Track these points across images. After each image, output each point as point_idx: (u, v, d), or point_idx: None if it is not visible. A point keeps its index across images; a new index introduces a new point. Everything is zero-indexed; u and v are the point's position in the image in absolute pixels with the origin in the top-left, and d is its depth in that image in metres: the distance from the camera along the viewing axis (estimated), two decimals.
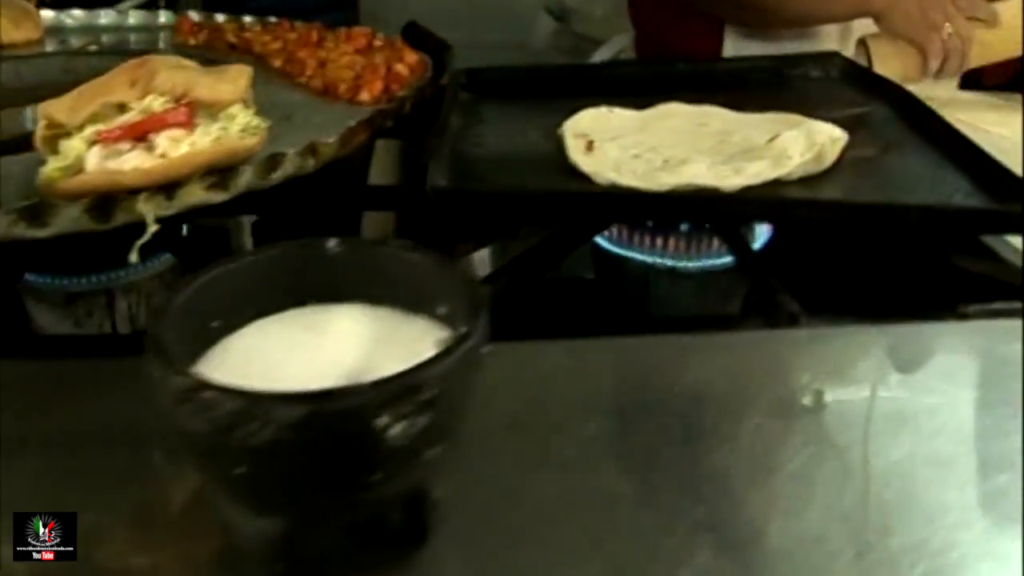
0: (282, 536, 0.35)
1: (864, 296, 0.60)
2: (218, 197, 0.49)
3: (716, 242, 0.70)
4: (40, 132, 0.48)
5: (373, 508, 0.36)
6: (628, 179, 0.64)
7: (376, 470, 0.34)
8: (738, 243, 0.64)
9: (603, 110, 0.76)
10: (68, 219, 0.46)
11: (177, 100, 0.47)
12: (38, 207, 0.46)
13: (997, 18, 0.91)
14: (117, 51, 0.81)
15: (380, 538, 0.38)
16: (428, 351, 0.39)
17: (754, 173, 0.64)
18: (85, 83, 0.48)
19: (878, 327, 0.53)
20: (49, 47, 0.85)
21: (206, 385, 0.32)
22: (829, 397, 0.48)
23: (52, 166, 0.47)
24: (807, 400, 0.48)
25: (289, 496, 0.34)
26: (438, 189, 0.56)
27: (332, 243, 0.42)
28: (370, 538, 0.38)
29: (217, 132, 0.47)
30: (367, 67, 0.67)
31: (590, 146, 0.68)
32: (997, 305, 0.54)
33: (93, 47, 0.82)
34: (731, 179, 0.63)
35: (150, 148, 0.46)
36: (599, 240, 0.71)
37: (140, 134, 0.46)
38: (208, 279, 0.40)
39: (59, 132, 0.47)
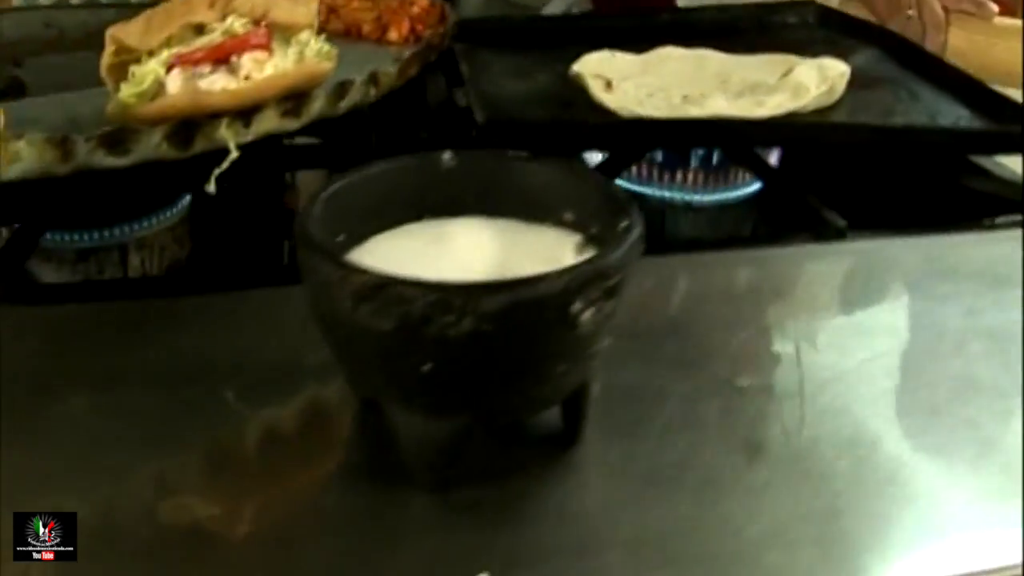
0: (454, 438, 0.35)
1: (883, 213, 0.63)
2: (291, 124, 0.48)
3: (730, 175, 0.72)
4: (107, 59, 0.45)
5: (546, 404, 0.36)
6: (655, 114, 0.65)
7: (563, 360, 0.34)
8: (764, 168, 0.66)
9: (606, 54, 0.77)
10: (149, 146, 0.44)
11: (256, 22, 0.45)
12: (119, 133, 0.44)
13: (989, 10, 0.87)
14: (97, 4, 0.78)
15: (540, 438, 0.38)
16: (567, 256, 0.40)
17: (775, 105, 0.66)
18: (160, 8, 0.46)
19: (917, 238, 0.57)
20: (17, 2, 0.80)
21: (397, 280, 0.32)
22: (888, 299, 0.51)
23: (127, 91, 0.44)
24: (870, 302, 0.50)
25: (473, 392, 0.34)
26: (494, 121, 0.56)
27: (447, 156, 0.42)
28: (530, 438, 0.38)
29: (294, 56, 0.46)
30: (386, 9, 0.66)
31: (609, 85, 0.69)
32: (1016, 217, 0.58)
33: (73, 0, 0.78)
34: (754, 111, 0.66)
35: (232, 71, 0.45)
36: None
37: (223, 56, 0.44)
38: (331, 193, 0.39)
39: (127, 58, 0.45)
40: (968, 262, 0.55)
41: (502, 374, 0.34)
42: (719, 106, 0.67)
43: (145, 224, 0.67)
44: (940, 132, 0.63)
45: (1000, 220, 0.58)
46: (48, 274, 0.65)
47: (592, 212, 0.40)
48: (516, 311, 0.32)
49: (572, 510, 0.37)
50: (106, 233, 0.66)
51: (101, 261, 0.66)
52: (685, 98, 0.69)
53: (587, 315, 0.33)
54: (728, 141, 0.65)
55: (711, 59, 0.79)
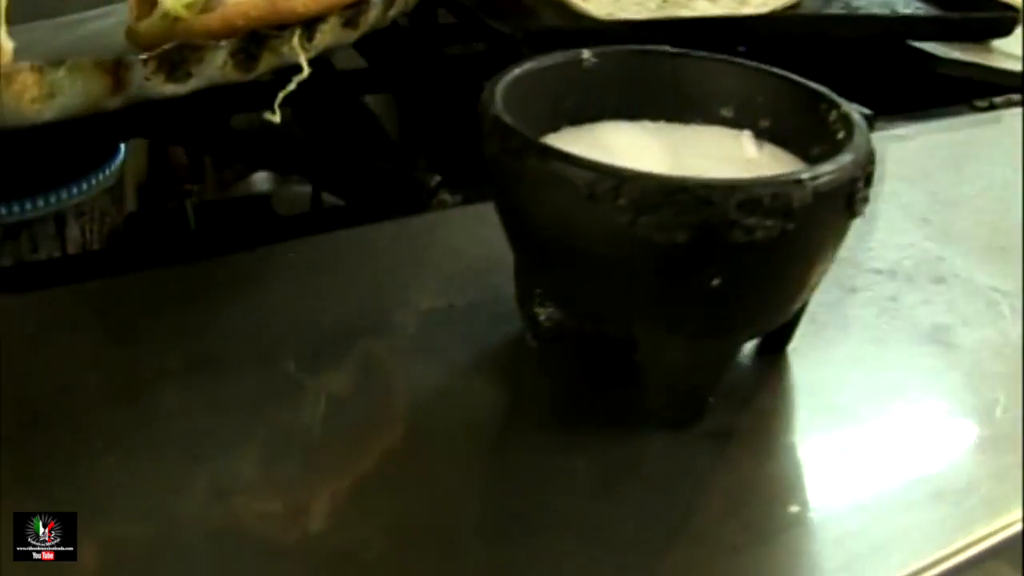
0: (720, 363, 0.31)
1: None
2: (350, 36, 0.41)
3: None
4: None
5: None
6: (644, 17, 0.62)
7: (832, 256, 0.31)
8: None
9: None
10: (213, 68, 0.35)
11: None
12: (178, 54, 0.34)
13: None
14: None
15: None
16: (749, 152, 0.37)
17: (759, 2, 0.65)
18: None
19: (939, 121, 0.58)
20: None
21: (694, 182, 0.27)
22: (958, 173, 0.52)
23: (175, 1, 0.35)
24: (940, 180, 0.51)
25: (758, 306, 0.30)
26: (533, 32, 0.51)
27: (587, 54, 0.37)
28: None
29: None
30: None
31: None
32: (1013, 96, 0.61)
33: None
34: (740, 10, 0.64)
35: None
36: None
37: None
38: (504, 99, 0.33)
39: None
40: (999, 137, 0.57)
41: (790, 280, 0.30)
42: (704, 7, 0.65)
43: (84, 187, 0.56)
44: (932, 21, 0.65)
45: (997, 100, 0.60)
46: None
47: (760, 105, 0.37)
48: (818, 203, 0.28)
49: (824, 427, 0.33)
50: (40, 202, 0.54)
51: (35, 236, 0.55)
52: (665, 1, 0.66)
53: (860, 202, 0.30)
54: (737, 39, 0.63)
55: None
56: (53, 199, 0.55)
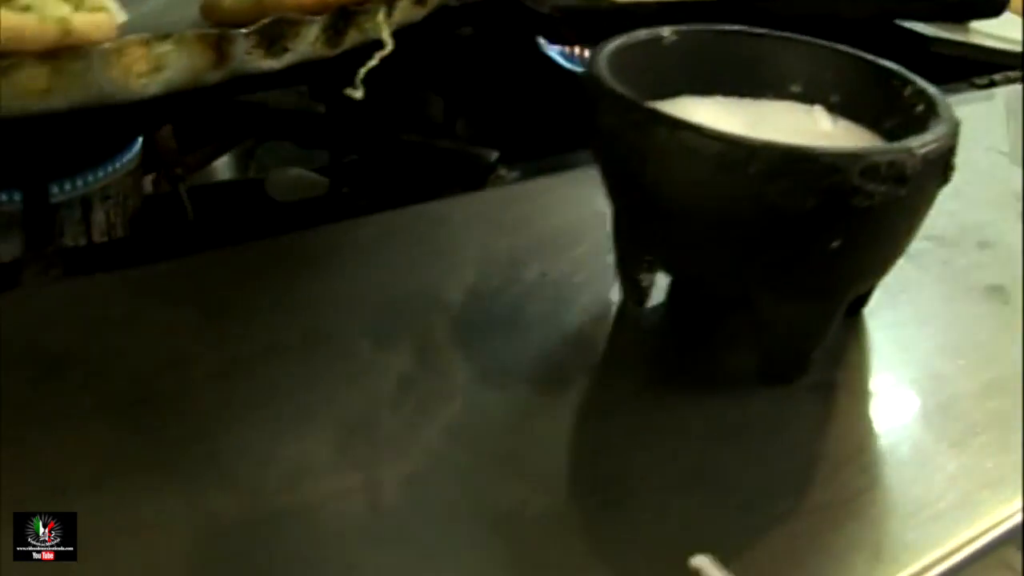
0: (828, 321, 0.32)
1: None
2: (419, 13, 0.41)
3: None
4: None
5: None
6: None
7: (921, 224, 0.33)
8: None
9: None
10: (306, 43, 0.35)
11: None
12: (275, 28, 0.34)
13: None
14: None
15: None
16: (824, 126, 0.38)
17: None
18: None
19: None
20: None
21: (822, 151, 0.29)
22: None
23: None
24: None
25: (866, 267, 0.32)
26: (566, 8, 0.52)
27: (667, 31, 0.38)
28: None
29: None
30: None
31: None
32: (1011, 74, 0.64)
33: None
34: None
35: None
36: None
37: None
38: (612, 72, 0.34)
39: None
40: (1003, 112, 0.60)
41: (894, 242, 0.32)
42: None
43: (110, 169, 0.55)
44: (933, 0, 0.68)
45: (996, 77, 0.64)
46: None
47: (829, 81, 0.38)
48: (925, 170, 0.30)
49: (910, 379, 0.36)
50: (67, 185, 0.53)
51: (61, 219, 0.54)
52: None
53: (951, 170, 0.32)
54: (743, 20, 0.65)
55: None
56: (80, 182, 0.54)
